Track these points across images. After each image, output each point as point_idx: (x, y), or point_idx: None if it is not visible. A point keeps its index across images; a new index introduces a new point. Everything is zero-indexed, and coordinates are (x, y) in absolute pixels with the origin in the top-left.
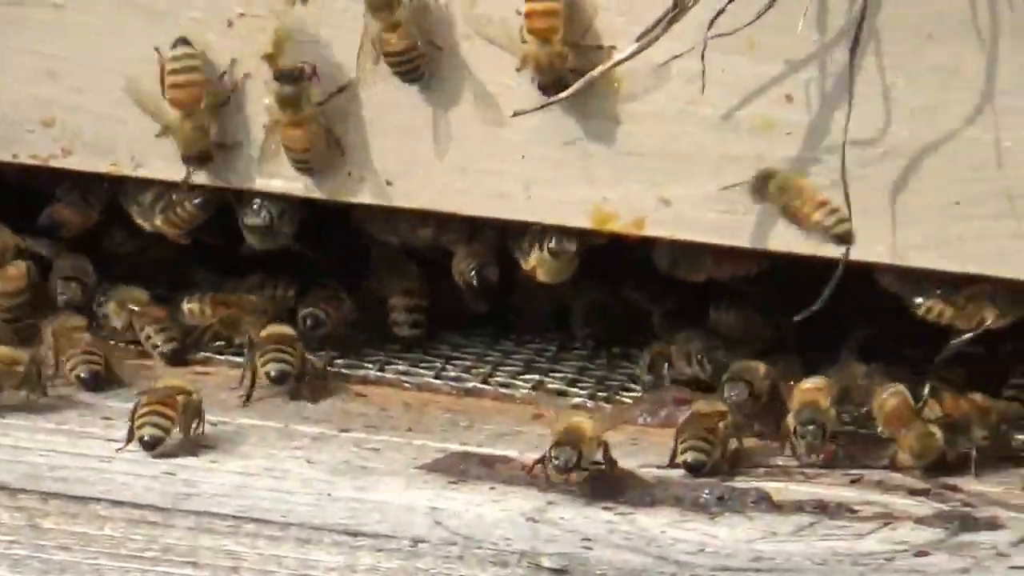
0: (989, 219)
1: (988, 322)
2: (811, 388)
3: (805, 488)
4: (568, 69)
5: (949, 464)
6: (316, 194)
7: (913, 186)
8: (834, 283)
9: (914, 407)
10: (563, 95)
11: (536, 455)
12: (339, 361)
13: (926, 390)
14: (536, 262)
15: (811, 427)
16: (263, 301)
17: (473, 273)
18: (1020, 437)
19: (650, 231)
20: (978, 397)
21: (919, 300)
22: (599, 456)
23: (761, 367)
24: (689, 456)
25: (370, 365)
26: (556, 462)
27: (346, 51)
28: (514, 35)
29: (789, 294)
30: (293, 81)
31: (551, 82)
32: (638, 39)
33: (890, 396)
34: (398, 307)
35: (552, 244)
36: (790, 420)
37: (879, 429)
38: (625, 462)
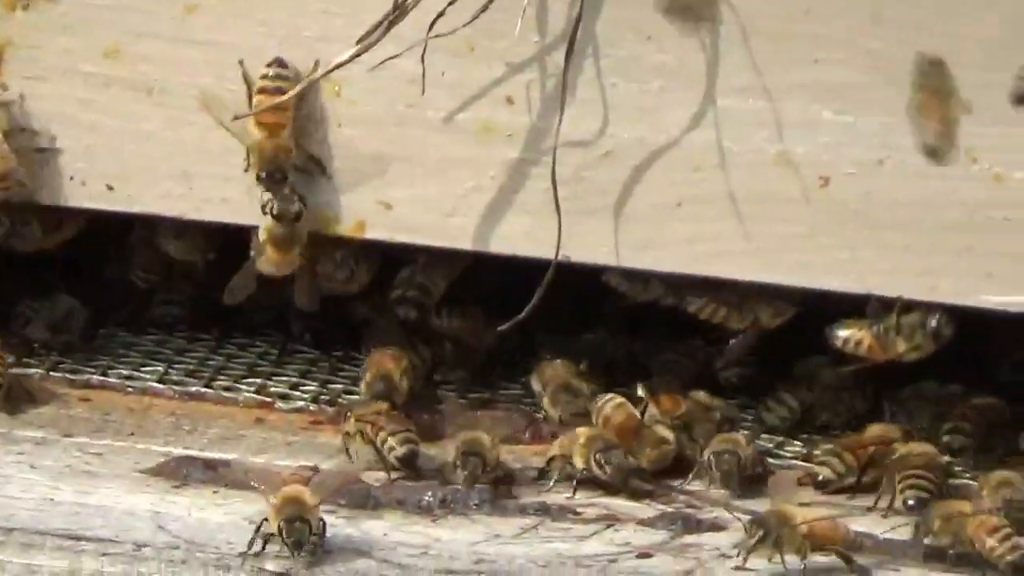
0: (711, 220)
1: (762, 322)
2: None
3: (528, 490)
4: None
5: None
6: (41, 200)
7: (635, 187)
8: (544, 287)
9: (639, 416)
10: (283, 99)
11: (260, 459)
12: (62, 366)
13: (640, 392)
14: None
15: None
16: None
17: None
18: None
19: (371, 234)
20: (701, 395)
21: (693, 300)
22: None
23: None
24: None
25: (92, 369)
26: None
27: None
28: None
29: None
30: None
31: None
32: (358, 42)
33: (613, 409)
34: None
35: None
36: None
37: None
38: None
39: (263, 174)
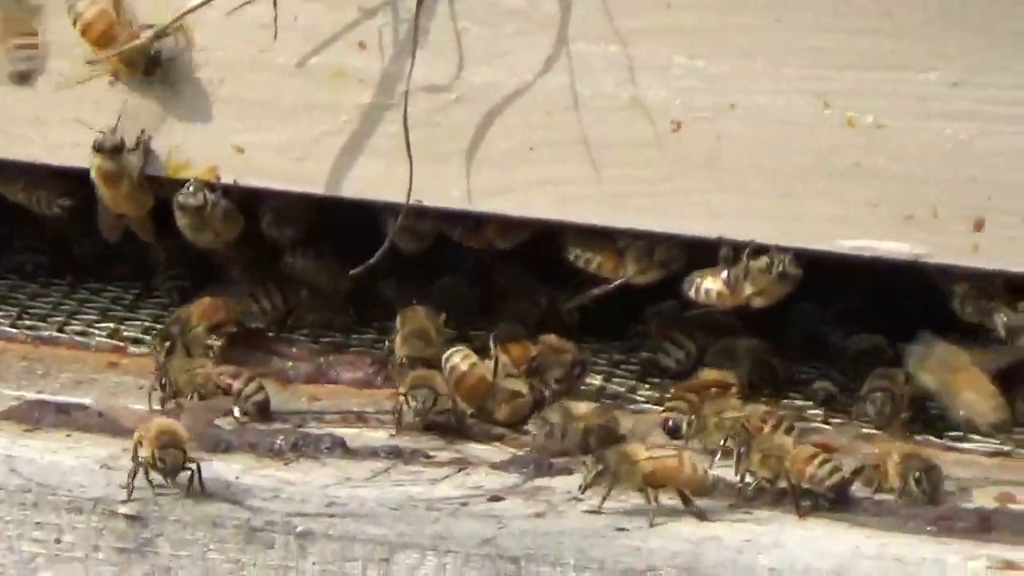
0: (563, 165)
1: (630, 274)
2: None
3: (380, 434)
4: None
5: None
6: None
7: (487, 132)
8: (394, 232)
9: (488, 375)
10: (132, 44)
11: (116, 402)
12: None
13: (491, 344)
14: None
15: None
16: None
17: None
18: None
19: (224, 179)
20: (551, 339)
21: (572, 249)
22: None
23: None
24: None
25: None
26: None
27: None
28: None
29: None
30: None
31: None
32: None
33: (463, 369)
34: None
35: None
36: None
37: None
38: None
39: None
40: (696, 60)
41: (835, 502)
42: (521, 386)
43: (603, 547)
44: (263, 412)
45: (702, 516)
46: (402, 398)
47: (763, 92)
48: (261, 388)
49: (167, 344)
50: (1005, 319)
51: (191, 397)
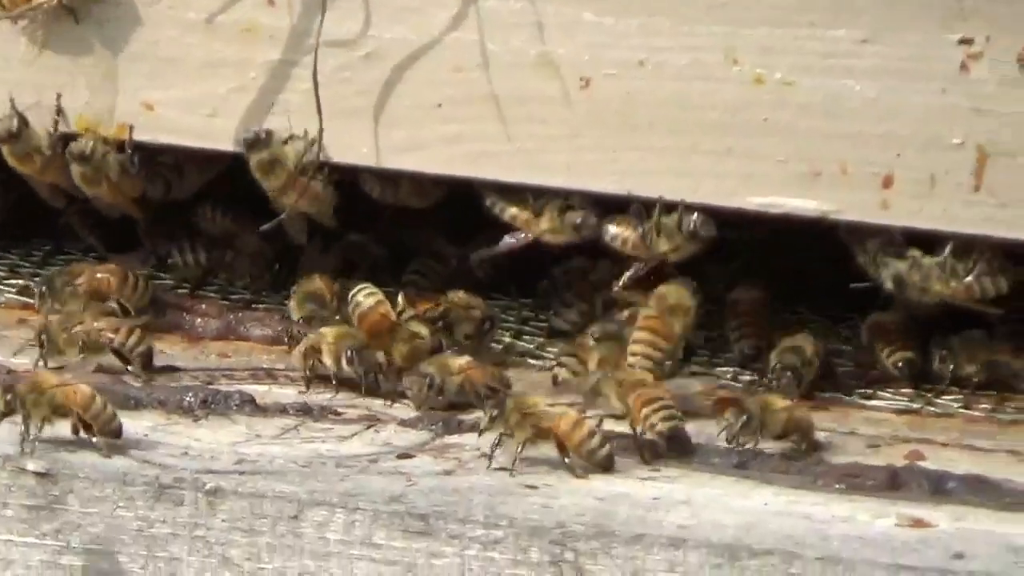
0: (472, 121)
1: (543, 228)
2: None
3: (289, 391)
4: None
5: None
6: None
7: (396, 88)
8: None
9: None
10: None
11: (26, 360)
12: None
13: (400, 296)
14: None
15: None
16: None
17: None
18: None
19: (135, 136)
20: (460, 295)
21: (488, 197)
22: None
23: None
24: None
25: None
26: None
27: None
28: None
29: None
30: None
31: None
32: None
33: (368, 306)
34: None
35: None
36: None
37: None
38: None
39: None
40: (605, 17)
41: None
42: (422, 329)
43: (512, 504)
44: (147, 363)
45: (575, 473)
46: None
47: (672, 49)
48: (143, 339)
49: (47, 298)
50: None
51: (78, 353)
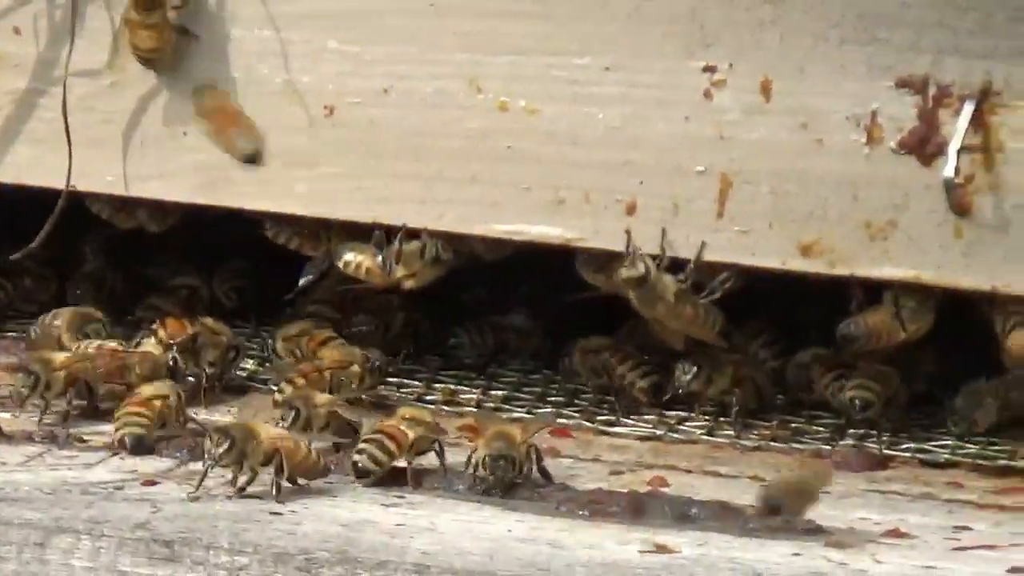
0: (215, 150)
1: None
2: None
3: (35, 419)
4: None
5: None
6: None
7: (142, 117)
8: (56, 216)
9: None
10: None
11: None
12: None
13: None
14: None
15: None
16: None
17: None
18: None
19: None
20: (209, 321)
21: (272, 226)
22: None
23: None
24: None
25: None
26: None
27: None
28: None
29: None
30: None
31: None
32: None
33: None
34: None
35: None
36: None
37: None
38: None
39: None
40: (349, 46)
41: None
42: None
43: (257, 531)
44: None
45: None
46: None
47: (416, 77)
48: None
49: None
50: None
51: None
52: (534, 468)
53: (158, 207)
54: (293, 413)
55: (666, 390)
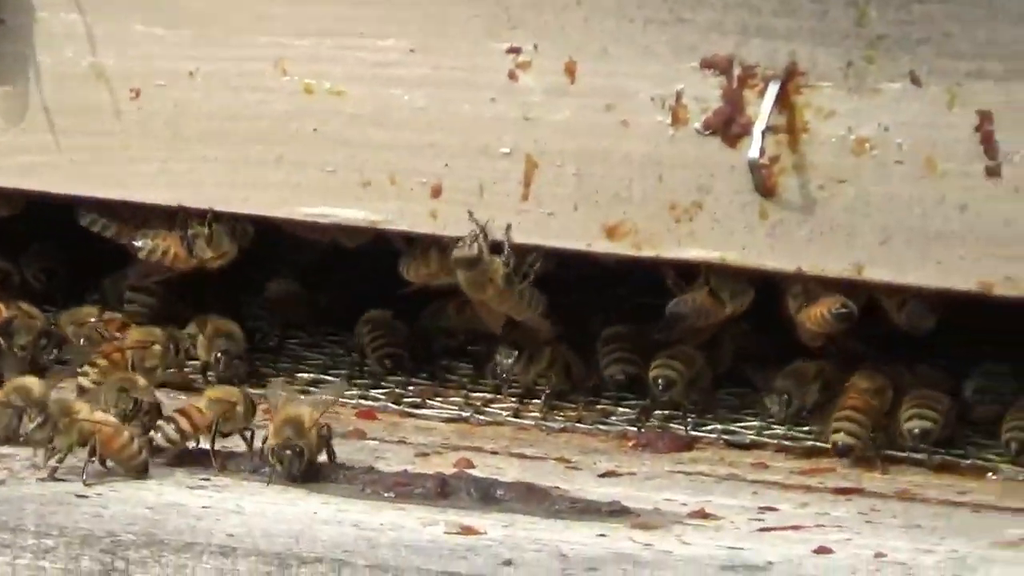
0: (25, 133)
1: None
2: None
3: None
4: None
5: None
6: None
7: None
8: None
9: None
10: None
11: None
12: None
13: None
14: None
15: None
16: None
17: None
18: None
19: None
20: (24, 305)
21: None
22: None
23: None
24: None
25: None
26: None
27: None
28: None
29: None
30: None
31: None
32: None
33: None
34: None
35: None
36: None
37: None
38: None
39: None
40: (155, 27)
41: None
42: None
43: (64, 514)
44: None
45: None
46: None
47: (221, 59)
48: None
49: None
50: None
51: None
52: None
53: None
54: (132, 403)
55: (492, 371)
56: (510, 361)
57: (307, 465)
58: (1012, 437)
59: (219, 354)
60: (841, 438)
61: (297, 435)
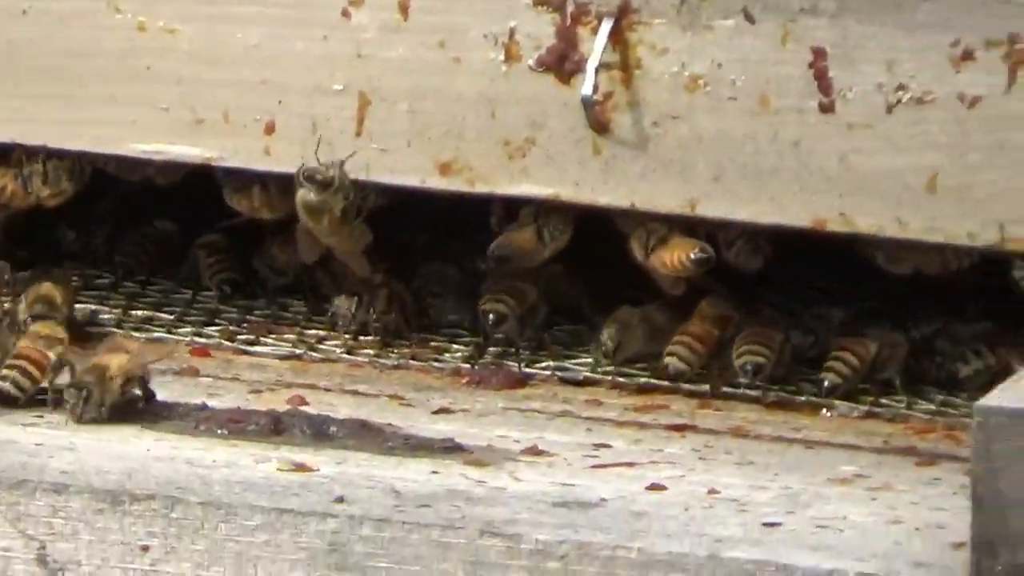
0: None
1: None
2: None
3: None
4: None
5: None
6: None
7: None
8: None
9: None
10: None
11: None
12: None
13: None
14: None
15: None
16: None
17: None
18: None
19: None
20: None
21: None
22: None
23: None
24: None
25: None
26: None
27: None
28: None
29: None
30: None
31: None
32: None
33: None
34: None
35: None
36: None
37: None
38: None
39: None
40: None
41: None
42: None
43: None
44: None
45: None
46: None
47: None
48: None
49: None
50: None
51: None
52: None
53: None
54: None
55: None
56: (349, 309)
57: (97, 410)
58: (825, 377)
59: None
60: (673, 362)
61: (97, 381)
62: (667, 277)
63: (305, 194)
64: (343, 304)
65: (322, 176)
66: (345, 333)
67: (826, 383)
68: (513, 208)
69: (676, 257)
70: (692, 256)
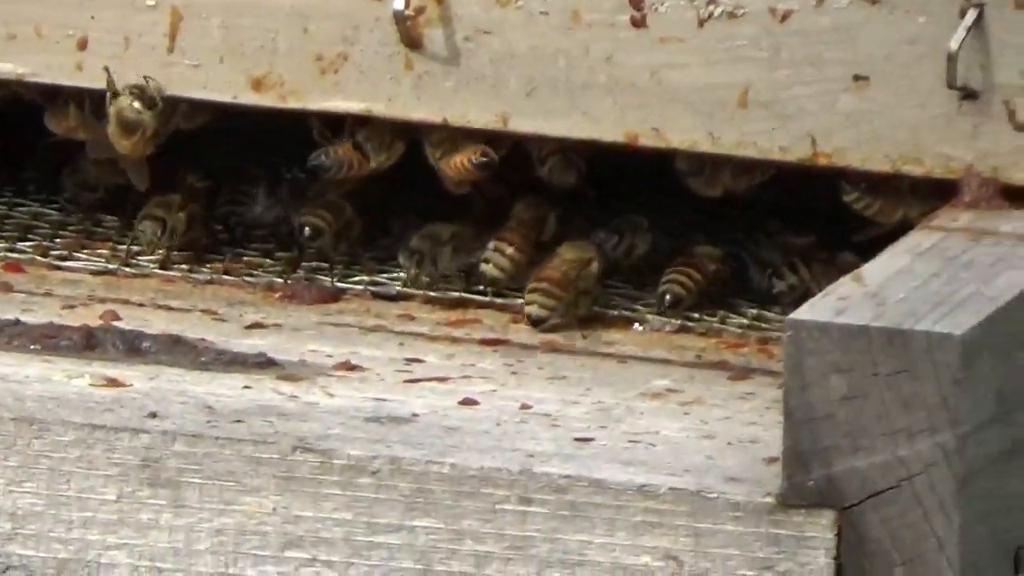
0: None
1: None
2: None
3: None
4: None
5: None
6: None
7: None
8: None
9: None
10: None
11: None
12: None
13: None
14: None
15: None
16: None
17: None
18: None
19: None
20: None
21: None
22: None
23: None
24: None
25: None
26: None
27: None
28: None
29: None
30: None
31: None
32: None
33: None
34: None
35: None
36: None
37: None
38: None
39: None
40: None
41: None
42: None
43: None
44: None
45: None
46: None
47: None
48: None
49: None
50: None
51: None
52: None
53: None
54: None
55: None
56: (154, 233)
57: None
58: (668, 290)
59: None
60: (534, 310)
61: None
62: (452, 180)
63: (126, 108)
64: (147, 228)
65: (150, 93)
66: (156, 249)
67: (668, 297)
68: (336, 124)
69: (460, 161)
70: (474, 160)
